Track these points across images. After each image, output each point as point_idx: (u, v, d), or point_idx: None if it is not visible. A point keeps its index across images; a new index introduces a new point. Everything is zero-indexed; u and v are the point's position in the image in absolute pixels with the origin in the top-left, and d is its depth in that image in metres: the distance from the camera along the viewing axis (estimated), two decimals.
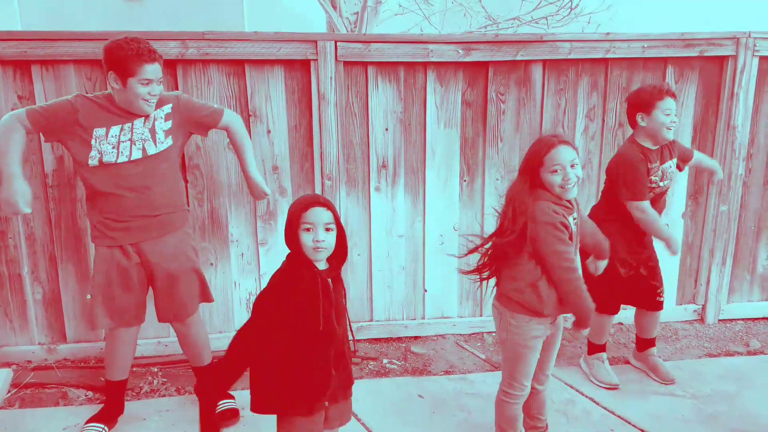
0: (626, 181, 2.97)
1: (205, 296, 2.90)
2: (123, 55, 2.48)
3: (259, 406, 2.07)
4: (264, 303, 2.00)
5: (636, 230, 3.06)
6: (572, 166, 2.25)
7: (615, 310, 3.26)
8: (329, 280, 2.03)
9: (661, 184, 3.08)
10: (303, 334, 1.98)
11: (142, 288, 2.77)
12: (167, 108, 2.68)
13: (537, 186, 2.30)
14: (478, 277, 2.44)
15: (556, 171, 2.25)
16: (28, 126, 2.56)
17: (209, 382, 2.00)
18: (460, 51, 3.42)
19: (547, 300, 2.34)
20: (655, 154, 3.03)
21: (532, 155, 2.31)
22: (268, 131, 3.42)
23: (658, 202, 3.14)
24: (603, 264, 2.66)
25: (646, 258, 3.13)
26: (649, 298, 3.21)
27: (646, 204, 2.99)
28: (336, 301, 2.04)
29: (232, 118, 2.83)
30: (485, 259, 2.40)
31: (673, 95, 2.97)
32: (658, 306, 3.24)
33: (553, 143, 2.26)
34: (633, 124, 3.07)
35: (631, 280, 3.10)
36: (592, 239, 2.58)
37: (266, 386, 2.04)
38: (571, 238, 2.30)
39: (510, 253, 2.31)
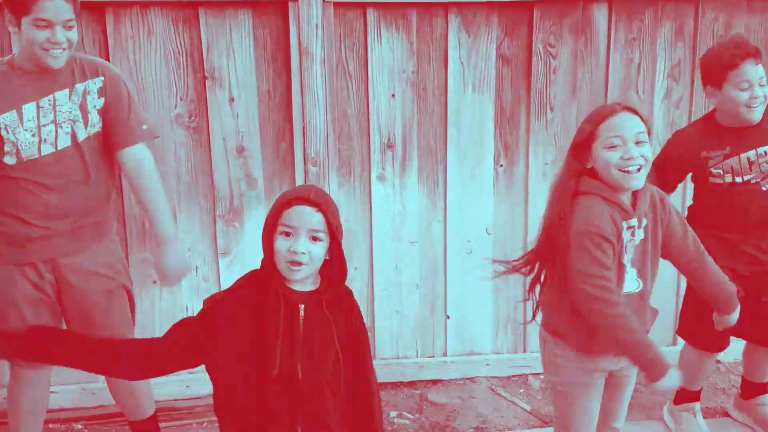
0: None
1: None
2: None
3: None
4: (209, 316, 1.79)
5: (735, 235, 2.70)
6: (638, 142, 2.04)
7: (720, 346, 2.87)
8: (302, 306, 1.77)
9: (737, 179, 2.72)
10: (255, 375, 1.77)
11: (55, 317, 2.49)
12: (99, 81, 2.39)
13: (584, 172, 2.13)
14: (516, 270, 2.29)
15: (614, 146, 2.04)
16: None
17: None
18: None
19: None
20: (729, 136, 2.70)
21: (584, 125, 2.16)
22: (231, 99, 3.07)
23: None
24: (730, 319, 2.41)
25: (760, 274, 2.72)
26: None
27: None
28: (308, 338, 1.77)
29: (144, 155, 2.47)
30: (527, 256, 2.25)
31: (755, 56, 2.61)
32: None
33: (615, 110, 2.10)
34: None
35: (746, 303, 2.59)
36: (690, 263, 2.30)
37: None
38: (618, 255, 2.09)
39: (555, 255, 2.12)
